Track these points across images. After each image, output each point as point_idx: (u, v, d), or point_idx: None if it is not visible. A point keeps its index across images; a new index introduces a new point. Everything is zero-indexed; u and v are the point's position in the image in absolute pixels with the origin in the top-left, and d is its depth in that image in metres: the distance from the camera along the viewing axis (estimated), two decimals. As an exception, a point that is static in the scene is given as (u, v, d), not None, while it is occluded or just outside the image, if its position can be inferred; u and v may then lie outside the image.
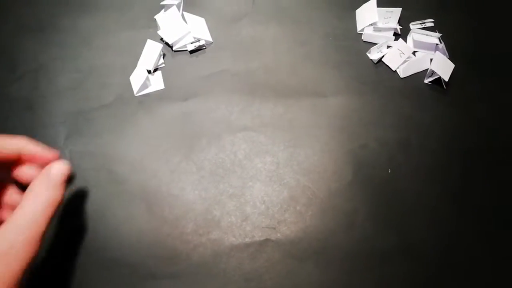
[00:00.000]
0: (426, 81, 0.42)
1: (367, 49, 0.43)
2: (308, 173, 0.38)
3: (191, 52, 0.43)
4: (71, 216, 0.36)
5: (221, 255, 0.35)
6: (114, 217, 0.36)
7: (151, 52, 0.40)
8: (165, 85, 0.41)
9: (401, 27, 0.43)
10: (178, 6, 0.43)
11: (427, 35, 0.42)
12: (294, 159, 0.39)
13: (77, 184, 0.37)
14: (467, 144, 0.40)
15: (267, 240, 0.36)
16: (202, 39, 0.42)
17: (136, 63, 0.41)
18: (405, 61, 0.42)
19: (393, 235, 0.36)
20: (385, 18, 0.43)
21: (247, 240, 0.36)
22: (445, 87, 0.41)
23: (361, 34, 0.44)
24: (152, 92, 0.41)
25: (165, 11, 0.43)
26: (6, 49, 0.43)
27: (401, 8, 0.43)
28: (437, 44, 0.42)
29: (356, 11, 0.45)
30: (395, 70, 0.42)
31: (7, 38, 0.43)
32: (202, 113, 0.40)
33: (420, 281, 0.35)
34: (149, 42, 0.41)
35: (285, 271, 0.35)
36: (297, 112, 0.41)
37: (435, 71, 0.40)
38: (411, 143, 0.39)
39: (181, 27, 0.42)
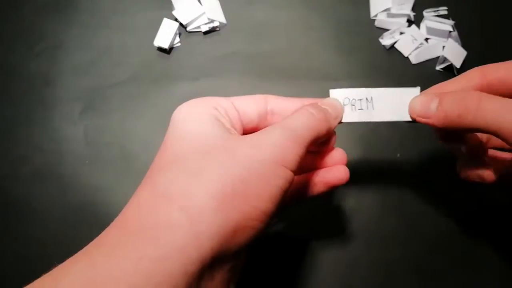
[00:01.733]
0: (437, 67, 0.42)
1: (380, 35, 0.43)
2: (316, 155, 0.39)
3: (205, 33, 0.43)
4: (82, 190, 0.37)
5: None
6: (124, 193, 0.37)
7: (167, 30, 0.41)
8: (178, 65, 0.42)
9: (414, 14, 0.43)
10: (193, -12, 0.44)
11: (440, 22, 0.42)
12: (303, 141, 0.39)
13: (90, 158, 0.38)
14: (476, 132, 0.40)
15: (276, 221, 0.37)
16: (216, 21, 0.43)
17: (151, 43, 0.42)
18: (417, 48, 0.42)
19: (400, 218, 0.37)
20: (399, 5, 0.43)
21: (255, 217, 0.37)
22: (456, 74, 0.41)
23: (374, 20, 0.44)
24: (166, 68, 0.41)
25: (180, -8, 0.44)
26: (26, 27, 0.44)
27: (415, -5, 0.43)
28: (450, 31, 0.42)
29: (370, -3, 0.45)
30: (407, 56, 0.42)
31: (28, 17, 0.44)
32: (214, 93, 0.40)
33: (425, 265, 0.36)
34: (165, 21, 0.41)
35: (294, 250, 0.36)
36: (308, 95, 0.40)
37: (447, 57, 0.40)
38: (421, 129, 0.39)
39: (195, 8, 0.42)
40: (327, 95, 0.41)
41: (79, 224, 0.36)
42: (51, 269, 0.19)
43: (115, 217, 0.36)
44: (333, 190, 0.32)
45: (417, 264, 0.36)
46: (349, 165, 0.38)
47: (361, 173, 0.38)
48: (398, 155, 0.39)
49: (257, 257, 0.35)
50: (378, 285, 0.35)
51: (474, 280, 0.35)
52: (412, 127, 0.40)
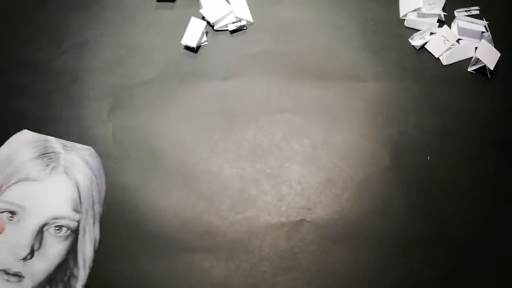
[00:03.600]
0: (470, 69, 0.41)
1: (409, 35, 0.42)
2: (345, 157, 0.38)
3: (232, 32, 0.43)
4: (110, 188, 0.37)
5: (257, 233, 0.36)
6: (153, 191, 0.37)
7: (194, 29, 0.41)
8: (205, 64, 0.42)
9: (445, 14, 0.42)
10: (220, -14, 0.43)
11: (472, 22, 0.41)
12: (332, 142, 0.39)
13: (118, 157, 0.38)
14: (508, 135, 0.39)
15: (302, 220, 0.36)
16: (243, 19, 0.42)
17: (178, 41, 0.42)
18: (449, 48, 0.41)
19: (429, 222, 0.36)
20: (429, 4, 0.42)
21: (283, 219, 0.36)
22: (489, 76, 0.41)
23: (404, 19, 0.43)
24: (193, 67, 0.41)
25: (207, -10, 0.44)
26: (52, 25, 0.44)
27: (446, -6, 0.42)
28: (482, 32, 0.41)
29: (400, -4, 0.45)
30: (438, 57, 0.41)
31: (54, 14, 0.44)
32: (241, 93, 0.40)
33: (453, 269, 0.35)
34: (193, 20, 0.41)
35: (319, 251, 0.35)
36: (336, 95, 0.40)
37: (480, 59, 0.39)
38: (451, 131, 0.39)
39: (223, 7, 0.42)
40: (354, 95, 0.40)
41: (108, 221, 0.36)
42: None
43: (143, 215, 0.36)
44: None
45: (444, 268, 0.35)
46: (377, 166, 0.38)
47: (390, 174, 0.37)
48: (428, 157, 0.38)
49: None
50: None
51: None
52: (441, 130, 0.39)
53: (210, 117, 0.40)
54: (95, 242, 0.35)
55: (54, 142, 0.38)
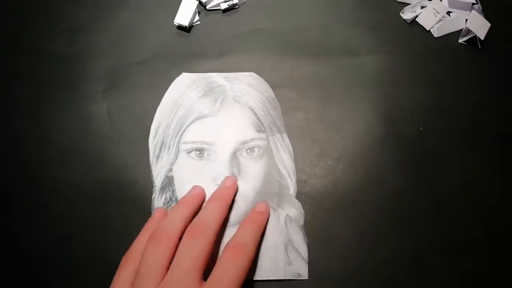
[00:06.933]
0: (460, 40, 0.41)
1: (401, 9, 0.43)
2: (339, 130, 0.39)
3: (224, 11, 0.43)
4: (107, 168, 0.37)
5: (253, 206, 0.36)
6: (148, 170, 0.37)
7: (187, 8, 0.41)
8: (198, 43, 0.42)
9: (436, -13, 0.43)
10: (211, -34, 0.43)
11: (463, -6, 0.42)
12: (326, 116, 0.39)
13: (114, 137, 0.38)
14: (502, 105, 0.39)
15: (297, 192, 0.37)
16: (235, -2, 0.42)
17: (170, 22, 0.42)
18: (439, 21, 0.41)
19: (424, 193, 0.37)
20: (420, -22, 0.42)
21: (279, 192, 0.37)
22: (480, 47, 0.41)
23: (395, -6, 0.43)
24: (187, 47, 0.41)
25: (198, -30, 0.44)
26: (45, 7, 0.44)
27: (436, -33, 0.42)
28: (473, 3, 0.41)
29: (390, -29, 0.45)
30: (429, 30, 0.42)
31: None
32: (235, 71, 0.41)
33: (450, 238, 0.35)
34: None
35: (316, 222, 0.36)
36: (330, 70, 0.41)
37: (471, 29, 0.39)
38: (445, 103, 0.39)
39: (215, -14, 0.42)
40: (348, 70, 0.41)
41: (106, 201, 0.36)
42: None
43: (140, 193, 0.37)
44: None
45: (441, 238, 0.35)
46: (372, 138, 0.38)
47: (384, 146, 0.38)
48: (421, 128, 0.38)
49: None
50: (403, 265, 0.35)
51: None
52: (434, 101, 0.39)
53: (204, 95, 0.40)
54: (290, 152, 0.37)
55: (216, 77, 0.39)
